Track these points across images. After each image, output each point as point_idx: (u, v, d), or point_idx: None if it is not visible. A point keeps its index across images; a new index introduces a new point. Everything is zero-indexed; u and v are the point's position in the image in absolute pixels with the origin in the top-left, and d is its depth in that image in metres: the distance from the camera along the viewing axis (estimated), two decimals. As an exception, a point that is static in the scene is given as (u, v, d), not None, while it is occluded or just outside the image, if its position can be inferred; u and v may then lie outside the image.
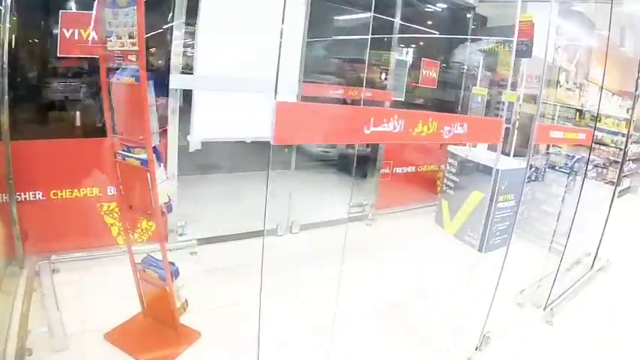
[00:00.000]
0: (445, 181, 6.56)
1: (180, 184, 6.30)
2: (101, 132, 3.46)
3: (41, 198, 4.20)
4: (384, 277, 5.06)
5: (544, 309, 4.59)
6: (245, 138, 5.25)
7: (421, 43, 8.63)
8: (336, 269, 4.66)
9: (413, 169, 7.20)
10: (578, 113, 9.29)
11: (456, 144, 6.46)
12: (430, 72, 6.90)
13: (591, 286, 5.39)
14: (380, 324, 4.13)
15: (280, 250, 5.33)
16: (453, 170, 6.40)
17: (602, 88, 5.28)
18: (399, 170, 7.00)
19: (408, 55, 7.38)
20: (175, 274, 3.39)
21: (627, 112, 9.47)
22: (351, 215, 6.63)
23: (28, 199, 4.17)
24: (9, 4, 3.97)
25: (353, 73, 9.37)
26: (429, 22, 8.47)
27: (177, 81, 4.60)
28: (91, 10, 4.14)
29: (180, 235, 5.14)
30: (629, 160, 10.97)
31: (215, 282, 4.44)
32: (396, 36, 6.37)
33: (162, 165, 3.22)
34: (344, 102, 9.36)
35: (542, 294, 4.67)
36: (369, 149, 7.03)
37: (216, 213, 6.03)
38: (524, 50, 5.84)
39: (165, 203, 3.23)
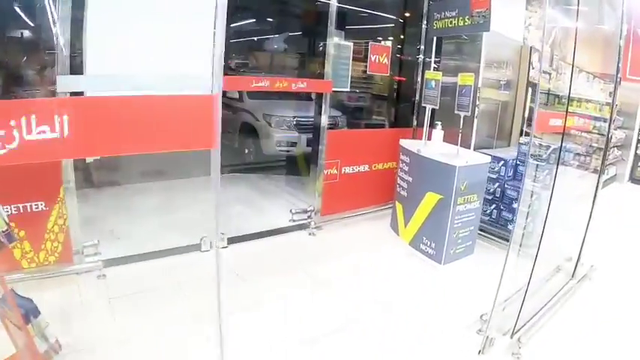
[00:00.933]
0: (398, 180, 5.69)
1: (98, 197, 6.11)
2: None
3: None
4: (327, 295, 4.31)
5: (511, 337, 3.71)
6: None
7: (368, 27, 7.92)
8: (268, 289, 4.29)
9: (366, 168, 6.31)
10: (556, 98, 8.47)
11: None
12: (380, 57, 5.99)
13: (572, 302, 4.51)
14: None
15: (202, 269, 4.48)
16: (405, 168, 5.52)
17: (573, 67, 4.44)
18: (348, 170, 6.11)
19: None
20: (33, 312, 2.94)
21: (610, 95, 8.68)
22: (292, 224, 5.82)
23: None
24: None
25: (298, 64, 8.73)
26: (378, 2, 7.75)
27: (65, 83, 3.86)
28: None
29: (95, 254, 4.43)
30: (613, 146, 10.29)
31: (117, 311, 3.77)
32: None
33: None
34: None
35: (510, 317, 3.77)
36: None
37: (137, 227, 5.38)
38: (482, 23, 5.03)
39: (3, 232, 2.62)
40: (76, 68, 4.08)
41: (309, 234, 5.70)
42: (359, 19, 7.81)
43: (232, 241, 5.19)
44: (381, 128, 8.51)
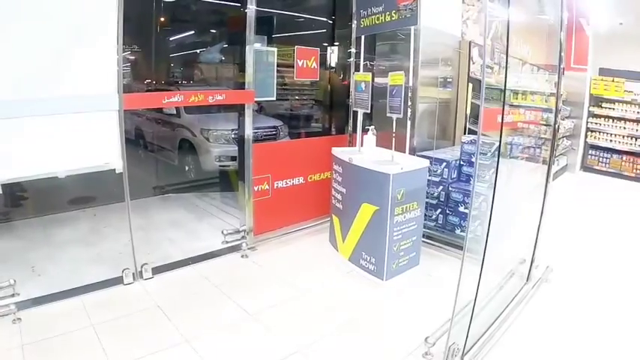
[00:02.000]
0: (333, 192, 5.28)
1: (19, 230, 5.72)
2: None
3: None
4: (256, 329, 3.87)
5: (461, 359, 3.33)
6: (56, 172, 4.09)
7: (302, 33, 7.58)
8: (194, 326, 3.84)
9: (301, 180, 5.92)
10: (500, 92, 8.21)
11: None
12: (308, 62, 5.60)
13: (528, 310, 4.17)
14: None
15: (122, 306, 4.16)
16: (339, 179, 5.12)
17: (507, 56, 4.10)
18: (281, 184, 5.70)
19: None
20: None
21: (555, 86, 8.50)
22: (224, 246, 5.38)
23: None
24: None
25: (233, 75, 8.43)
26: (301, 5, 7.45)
27: None
28: None
29: (12, 295, 4.05)
30: (562, 137, 10.16)
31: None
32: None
33: None
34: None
35: (459, 336, 3.37)
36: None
37: (59, 262, 4.93)
38: (409, 17, 4.72)
39: None
40: None
41: (242, 256, 5.24)
42: (292, 26, 7.48)
43: (159, 270, 4.77)
44: (318, 134, 8.16)
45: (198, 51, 10.23)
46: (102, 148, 4.25)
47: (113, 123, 4.26)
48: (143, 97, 5.54)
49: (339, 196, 5.11)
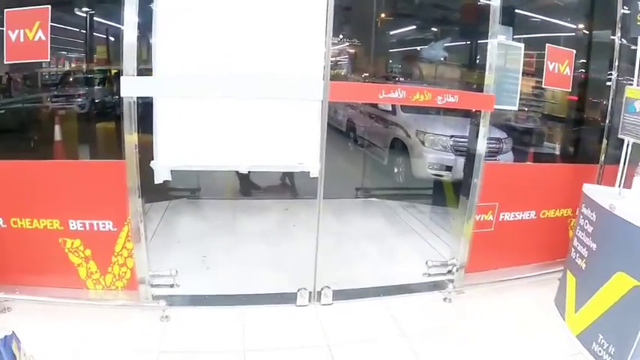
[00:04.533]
0: (575, 242, 4.00)
1: (206, 210, 5.81)
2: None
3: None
4: None
5: None
6: (237, 166, 3.97)
7: (538, 35, 6.35)
8: None
9: (532, 215, 4.69)
10: None
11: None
12: (560, 66, 4.36)
13: None
14: None
15: (287, 333, 3.66)
16: (589, 228, 3.83)
17: None
18: (508, 217, 4.54)
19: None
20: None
21: None
22: (425, 279, 4.54)
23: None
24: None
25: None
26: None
27: (131, 86, 3.33)
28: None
29: (172, 285, 3.96)
30: None
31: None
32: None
33: None
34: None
35: None
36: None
37: (233, 258, 4.69)
38: None
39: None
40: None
41: (445, 299, 4.32)
42: (527, 26, 6.31)
43: (340, 296, 4.10)
44: (552, 158, 6.91)
45: (419, 48, 9.87)
46: (297, 146, 3.74)
47: (314, 116, 3.69)
48: (355, 87, 4.81)
49: (583, 251, 3.85)
